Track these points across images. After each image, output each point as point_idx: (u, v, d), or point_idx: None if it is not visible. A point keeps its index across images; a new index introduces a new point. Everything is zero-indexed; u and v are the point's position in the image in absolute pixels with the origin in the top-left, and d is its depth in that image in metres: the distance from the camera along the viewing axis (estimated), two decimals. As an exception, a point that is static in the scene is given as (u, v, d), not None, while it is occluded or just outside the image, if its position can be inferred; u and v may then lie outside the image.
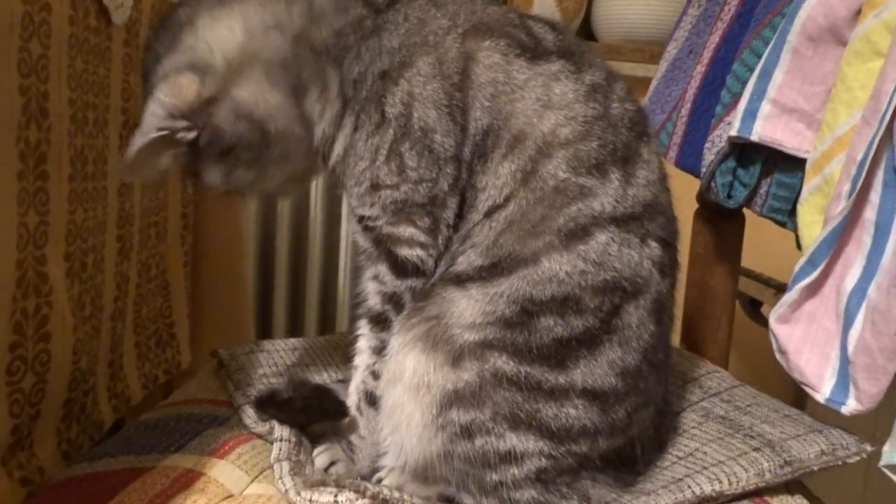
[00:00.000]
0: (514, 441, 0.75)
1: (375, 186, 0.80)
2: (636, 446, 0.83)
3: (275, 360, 1.09)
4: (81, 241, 0.95)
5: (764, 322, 1.68)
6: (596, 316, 0.76)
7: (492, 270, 0.77)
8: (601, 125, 0.78)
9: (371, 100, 0.79)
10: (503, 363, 0.75)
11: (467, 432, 0.75)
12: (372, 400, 0.85)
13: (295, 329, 1.84)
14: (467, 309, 0.77)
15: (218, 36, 0.78)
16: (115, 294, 1.08)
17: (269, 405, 0.89)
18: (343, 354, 1.05)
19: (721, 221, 1.21)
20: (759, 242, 1.34)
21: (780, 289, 1.65)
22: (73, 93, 0.91)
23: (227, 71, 0.77)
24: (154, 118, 0.76)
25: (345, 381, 0.94)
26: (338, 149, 0.82)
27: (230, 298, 1.45)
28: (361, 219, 0.82)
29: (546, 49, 0.81)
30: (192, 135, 0.78)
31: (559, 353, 0.76)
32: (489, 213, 0.78)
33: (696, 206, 1.25)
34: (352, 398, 0.89)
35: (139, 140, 0.76)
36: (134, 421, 0.93)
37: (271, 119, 0.79)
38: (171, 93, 0.76)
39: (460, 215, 0.80)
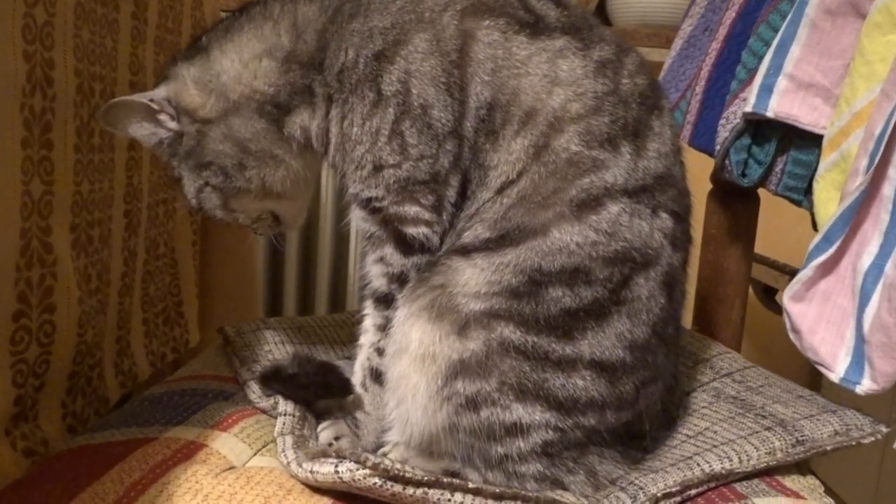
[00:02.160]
0: (520, 412, 0.75)
1: (378, 167, 0.80)
2: (644, 421, 0.82)
3: (281, 338, 1.08)
4: (87, 214, 0.95)
5: (778, 310, 1.65)
6: (605, 287, 0.75)
7: (499, 242, 0.77)
8: (611, 101, 0.78)
9: (364, 82, 0.79)
10: (510, 332, 0.75)
11: (473, 403, 0.75)
12: (377, 376, 0.85)
13: (305, 308, 1.84)
14: (472, 278, 0.76)
15: (224, 68, 0.83)
16: (123, 270, 1.07)
17: (274, 380, 0.88)
18: (351, 332, 1.04)
19: (735, 202, 1.19)
20: (774, 229, 1.32)
21: (794, 274, 1.63)
22: (79, 63, 0.90)
23: (226, 101, 0.82)
24: (152, 92, 0.84)
25: (351, 359, 0.93)
26: (333, 141, 0.83)
27: (239, 277, 1.44)
28: (368, 201, 0.82)
29: (548, 25, 0.81)
30: (172, 124, 0.83)
31: (567, 324, 0.75)
32: (501, 190, 0.78)
33: (709, 186, 1.23)
34: (357, 375, 0.88)
35: (129, 96, 0.83)
36: (139, 396, 0.93)
37: (253, 140, 0.83)
38: (177, 90, 0.83)
39: (464, 195, 0.80)
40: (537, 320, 0.75)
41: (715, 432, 0.83)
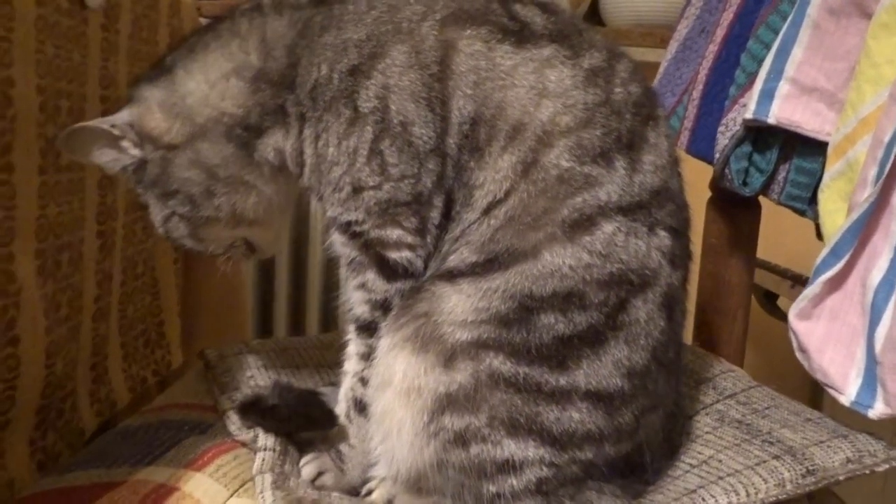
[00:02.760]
0: (512, 448, 0.70)
1: (358, 189, 0.76)
2: (645, 452, 0.77)
3: (265, 362, 1.04)
4: (55, 238, 0.90)
5: (781, 316, 1.62)
6: (601, 311, 0.71)
7: (486, 266, 0.73)
8: (604, 112, 0.74)
9: (339, 99, 0.75)
10: (500, 363, 0.71)
11: (461, 439, 0.71)
12: (361, 407, 0.81)
13: (297, 328, 1.79)
14: (458, 305, 0.72)
15: (190, 90, 0.78)
16: (97, 293, 1.03)
17: (253, 412, 0.83)
18: (339, 354, 1.00)
19: (735, 210, 1.15)
20: (774, 232, 1.28)
21: (797, 280, 1.59)
22: (42, 79, 0.85)
23: (193, 125, 0.78)
24: (114, 117, 0.80)
25: (336, 385, 0.88)
26: (308, 162, 0.79)
27: (225, 296, 1.40)
28: (347, 225, 0.78)
29: (534, 33, 0.77)
30: (134, 151, 0.80)
31: (560, 353, 0.71)
32: (487, 210, 0.74)
33: (709, 194, 1.18)
34: (341, 406, 0.84)
35: (90, 122, 0.78)
36: (112, 430, 0.89)
37: (222, 166, 0.79)
38: (141, 114, 0.79)
39: (448, 216, 0.77)
40: (529, 349, 0.71)
41: (720, 461, 0.78)
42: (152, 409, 0.94)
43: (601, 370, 0.72)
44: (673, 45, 1.23)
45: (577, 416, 0.71)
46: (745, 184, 0.99)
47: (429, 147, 0.74)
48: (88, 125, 0.78)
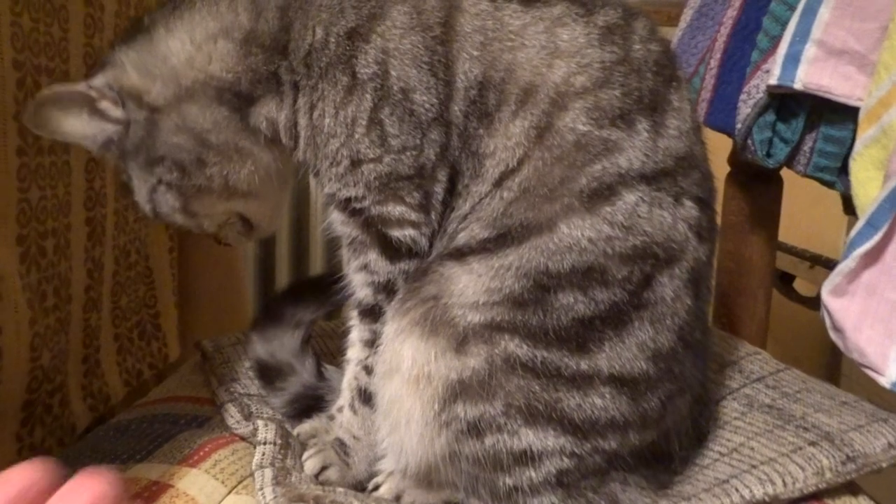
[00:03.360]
0: (530, 438, 0.66)
1: (356, 163, 0.71)
2: (672, 440, 0.73)
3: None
4: (38, 224, 0.85)
5: (797, 298, 1.57)
6: (624, 289, 0.67)
7: (499, 242, 0.68)
8: (622, 70, 0.70)
9: (336, 65, 0.70)
10: (515, 347, 0.66)
11: (475, 429, 0.66)
12: (367, 397, 0.76)
13: None
14: (469, 286, 0.67)
15: (173, 50, 0.72)
16: (87, 282, 0.98)
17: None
18: (343, 342, 0.95)
19: (757, 185, 1.10)
20: (789, 211, 1.22)
21: (815, 260, 1.55)
22: (18, 54, 0.80)
23: (177, 87, 0.71)
24: (88, 81, 0.72)
25: (341, 367, 0.84)
26: (303, 135, 0.73)
27: (224, 285, 1.35)
28: (346, 202, 0.73)
29: None
30: (117, 112, 0.72)
31: (581, 335, 0.66)
32: (500, 182, 0.69)
33: (727, 169, 1.13)
34: (344, 395, 0.79)
35: (58, 85, 0.72)
36: (104, 425, 0.84)
37: (213, 132, 0.73)
38: (116, 76, 0.72)
39: (452, 191, 0.72)
40: (546, 332, 0.66)
41: (752, 449, 0.73)
42: (147, 403, 0.90)
43: (625, 353, 0.67)
44: (687, 13, 1.18)
45: (600, 403, 0.66)
46: (768, 155, 0.95)
47: (432, 115, 0.69)
48: (58, 89, 0.71)
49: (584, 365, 0.66)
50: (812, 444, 0.72)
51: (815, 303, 1.56)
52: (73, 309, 0.94)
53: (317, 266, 1.71)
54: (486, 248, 0.68)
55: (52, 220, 0.88)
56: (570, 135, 0.68)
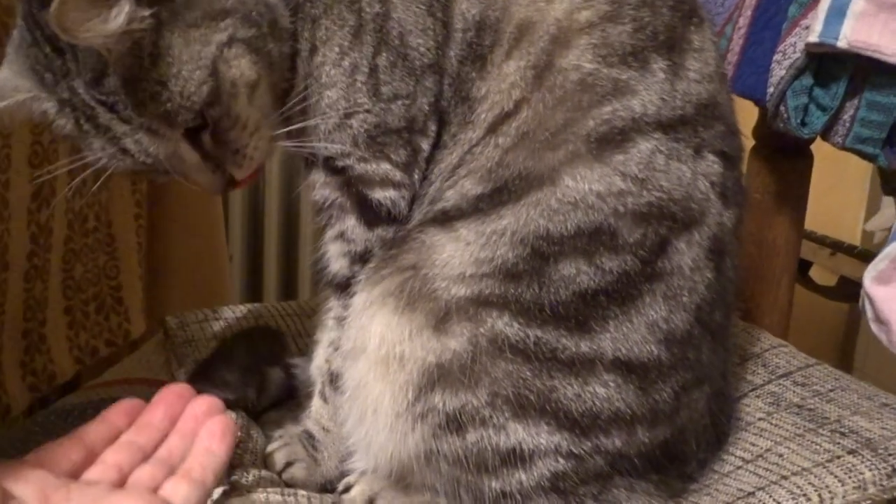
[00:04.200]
0: (519, 434, 0.58)
1: (348, 115, 0.63)
2: (687, 440, 0.64)
3: (233, 331, 0.89)
4: (-34, 178, 0.75)
5: (814, 287, 1.47)
6: (636, 255, 0.59)
7: (493, 199, 0.60)
8: (633, 3, 0.62)
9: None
10: (504, 325, 0.58)
11: (456, 423, 0.58)
12: (338, 384, 0.67)
13: (289, 292, 1.66)
14: (455, 256, 0.59)
15: None
16: (31, 248, 0.89)
17: (199, 380, 0.69)
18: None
19: (784, 160, 1.00)
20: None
21: (836, 247, 1.45)
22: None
23: None
24: None
25: (309, 356, 0.75)
26: (298, 85, 0.63)
27: (201, 255, 1.25)
28: (327, 161, 0.65)
29: None
30: None
31: (582, 311, 0.58)
32: (494, 127, 0.62)
33: (751, 142, 1.02)
34: (315, 381, 0.71)
35: None
36: (44, 410, 0.76)
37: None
38: None
39: (437, 144, 0.64)
40: (542, 307, 0.57)
41: (780, 456, 0.64)
42: (97, 385, 0.82)
43: (632, 334, 0.59)
44: (713, -31, 1.06)
45: (603, 392, 0.58)
46: (803, 124, 0.84)
47: (427, 61, 0.62)
48: None
49: (584, 347, 0.58)
50: (851, 452, 0.62)
51: (833, 292, 1.49)
52: (11, 278, 0.85)
53: (307, 242, 1.63)
54: (478, 208, 0.59)
55: (-15, 177, 0.78)
56: (574, 73, 0.60)
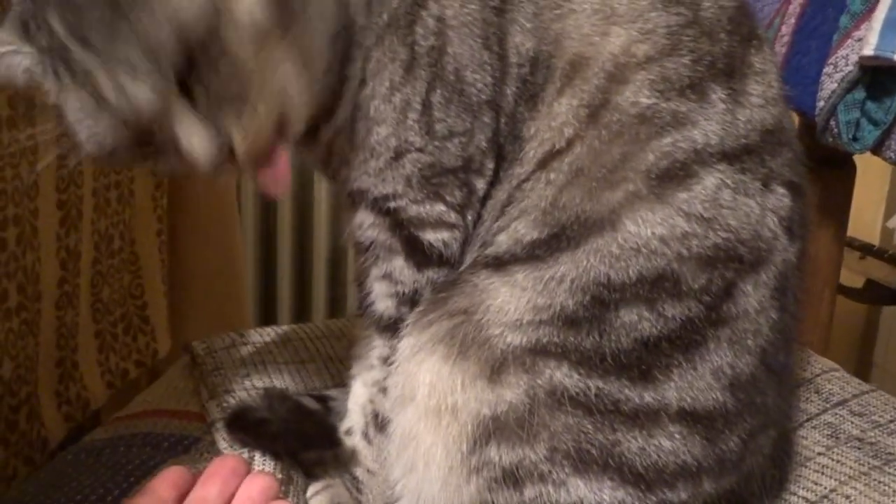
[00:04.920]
0: (581, 490, 0.55)
1: (399, 154, 0.60)
2: (753, 485, 0.61)
3: (263, 357, 0.88)
4: (-5, 211, 0.73)
5: (842, 289, 1.44)
6: (700, 301, 0.55)
7: (550, 245, 0.57)
8: (692, 34, 0.59)
9: (396, 28, 0.58)
10: (563, 376, 0.55)
11: (513, 478, 0.55)
12: (384, 425, 0.66)
13: (302, 311, 1.64)
14: (510, 302, 0.56)
15: None
16: (61, 275, 0.87)
17: (239, 426, 0.67)
18: (349, 345, 0.84)
19: (827, 172, 0.97)
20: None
21: (866, 250, 1.41)
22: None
23: None
24: None
25: (346, 386, 0.73)
26: (341, 113, 0.59)
27: (220, 270, 1.24)
28: (380, 201, 0.62)
29: None
30: None
31: (644, 360, 0.55)
32: (544, 163, 0.59)
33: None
34: (354, 419, 0.69)
35: None
36: (74, 446, 0.75)
37: None
38: None
39: (493, 182, 0.62)
40: (603, 357, 0.55)
41: (848, 498, 0.61)
42: (125, 417, 0.79)
43: (697, 382, 0.55)
44: (752, -29, 1.03)
45: (668, 445, 0.55)
46: (854, 139, 0.81)
47: (484, 97, 0.59)
48: None
49: (648, 397, 0.55)
50: (921, 493, 0.59)
51: (859, 294, 1.46)
52: (44, 307, 0.83)
53: (320, 260, 1.60)
54: (534, 254, 0.56)
55: (14, 206, 0.76)
56: (632, 108, 0.57)
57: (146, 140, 0.52)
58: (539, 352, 0.55)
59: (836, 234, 0.99)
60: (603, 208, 0.56)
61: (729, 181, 0.56)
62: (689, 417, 0.55)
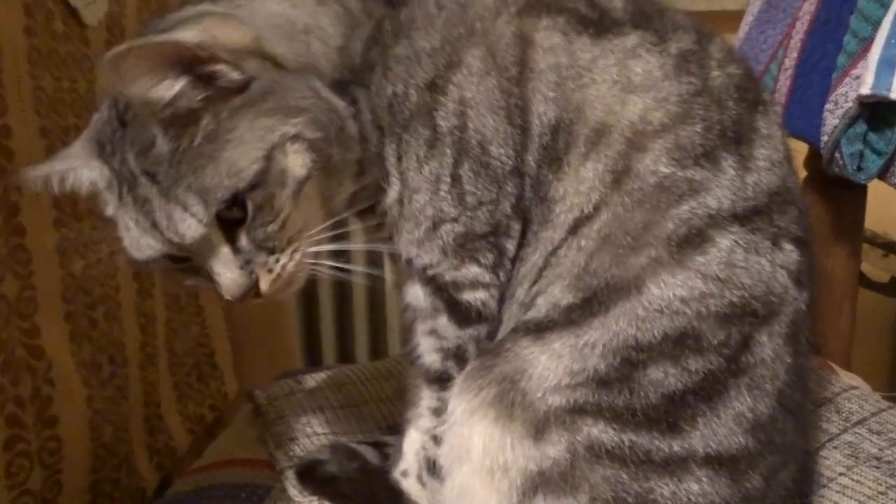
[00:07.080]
0: None
1: (436, 223, 0.66)
2: None
3: (320, 402, 0.95)
4: (85, 295, 0.82)
5: (868, 283, 1.45)
6: (720, 355, 0.61)
7: (584, 309, 0.62)
8: (702, 102, 0.64)
9: (417, 117, 0.65)
10: (600, 432, 0.60)
11: None
12: (436, 469, 0.72)
13: (344, 351, 1.70)
14: (549, 368, 0.62)
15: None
16: (142, 340, 0.95)
17: (311, 480, 0.75)
18: (397, 385, 0.91)
19: (839, 190, 1.01)
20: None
21: (889, 248, 1.43)
22: (44, 120, 0.75)
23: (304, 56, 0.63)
24: (181, 33, 0.57)
25: (399, 434, 0.79)
26: (393, 188, 0.66)
27: (270, 316, 1.32)
28: (423, 270, 0.69)
29: (615, 20, 0.67)
30: (236, 76, 0.58)
31: (671, 413, 0.60)
32: (575, 229, 0.64)
33: (803, 172, 1.03)
34: (409, 461, 0.75)
35: (147, 39, 0.55)
36: (160, 499, 0.81)
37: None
38: (208, 28, 0.58)
39: (521, 243, 0.67)
40: (634, 413, 0.60)
41: None
42: (203, 468, 0.86)
43: (720, 428, 0.61)
44: (755, 4, 1.07)
45: (697, 488, 0.60)
46: (859, 169, 0.85)
47: (508, 168, 0.65)
48: (157, 41, 0.55)
49: (676, 447, 0.60)
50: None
51: (886, 289, 1.47)
52: (131, 371, 0.91)
53: (360, 303, 1.66)
54: (570, 318, 0.62)
55: (100, 286, 0.85)
56: (652, 177, 0.62)
57: (183, 259, 0.62)
58: (577, 411, 0.60)
59: (852, 249, 1.03)
60: (629, 273, 0.61)
61: (741, 241, 0.61)
62: (715, 461, 0.60)
